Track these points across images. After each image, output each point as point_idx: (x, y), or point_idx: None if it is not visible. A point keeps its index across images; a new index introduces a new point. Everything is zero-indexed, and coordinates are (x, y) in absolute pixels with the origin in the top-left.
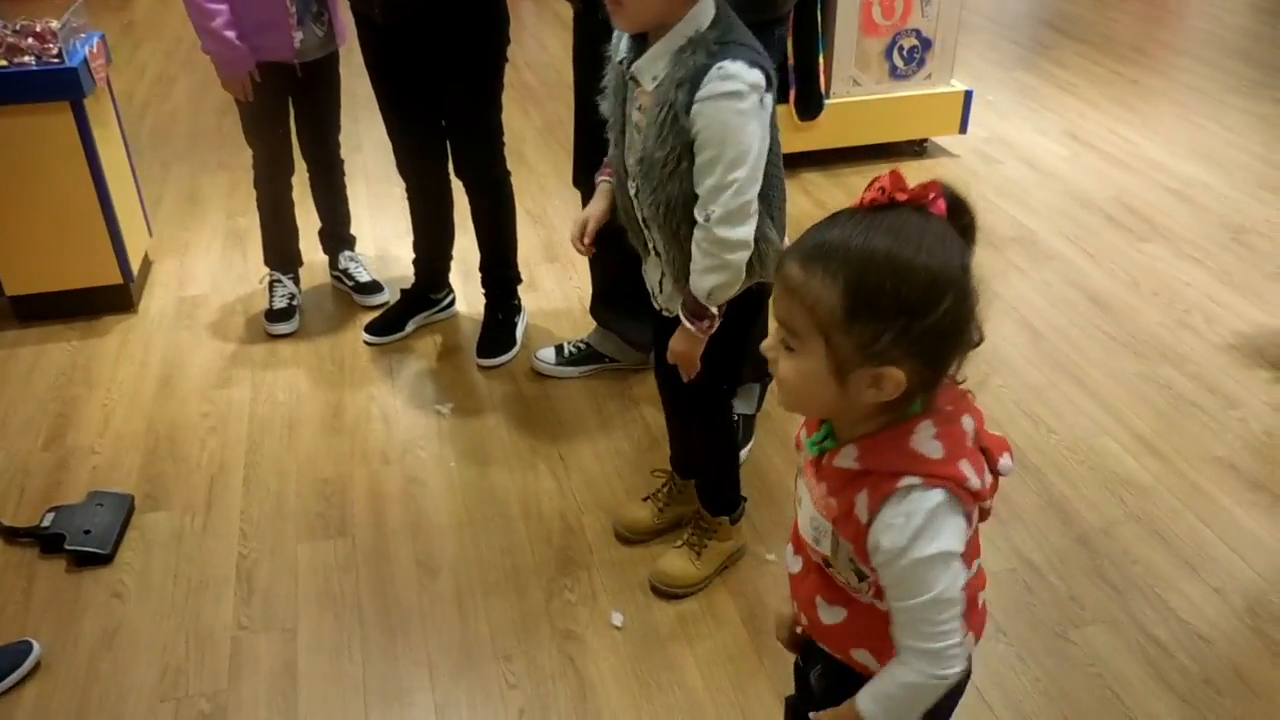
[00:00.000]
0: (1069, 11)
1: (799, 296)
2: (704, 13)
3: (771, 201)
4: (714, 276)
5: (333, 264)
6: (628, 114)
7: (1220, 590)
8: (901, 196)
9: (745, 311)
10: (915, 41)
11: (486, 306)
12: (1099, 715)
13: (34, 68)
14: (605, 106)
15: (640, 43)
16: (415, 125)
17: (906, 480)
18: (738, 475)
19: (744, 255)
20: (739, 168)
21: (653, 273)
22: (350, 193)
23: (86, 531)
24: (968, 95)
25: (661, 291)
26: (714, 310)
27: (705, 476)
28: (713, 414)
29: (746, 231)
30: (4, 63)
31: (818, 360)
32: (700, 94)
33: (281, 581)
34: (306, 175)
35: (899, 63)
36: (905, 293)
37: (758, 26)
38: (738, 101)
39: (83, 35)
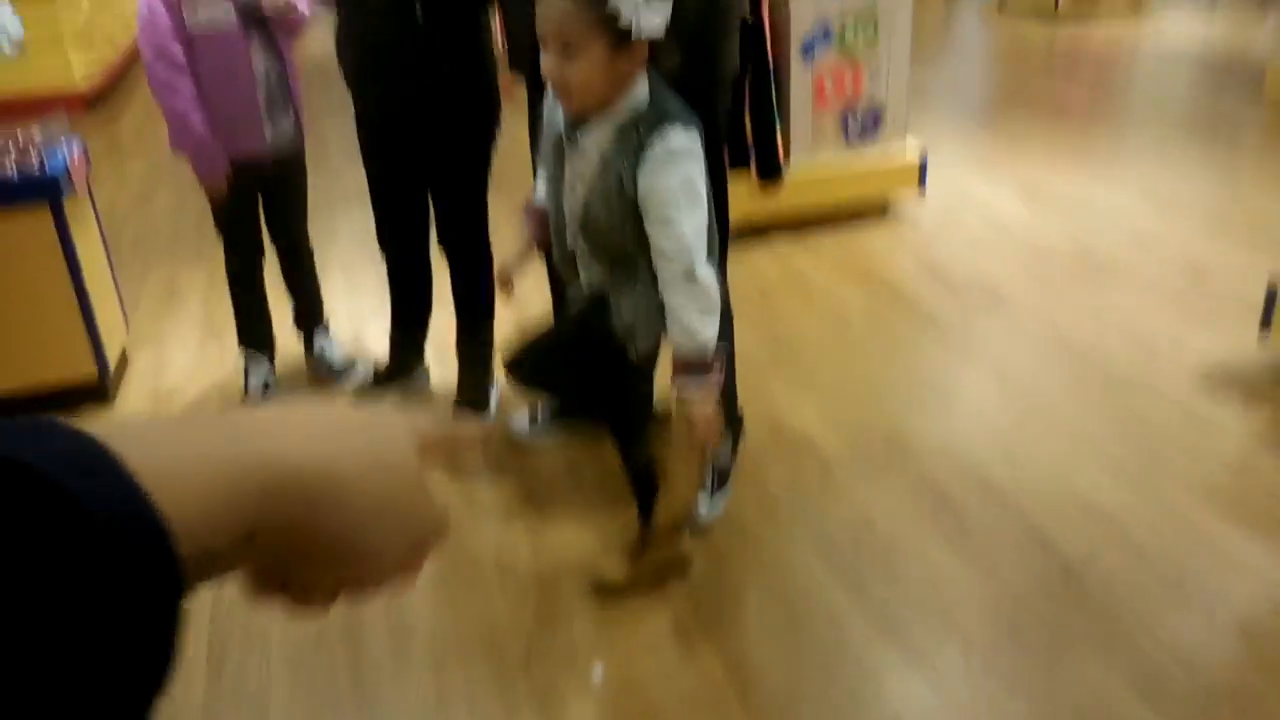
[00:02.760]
0: (1018, 86)
1: None
2: (640, 94)
3: (713, 242)
4: (709, 321)
5: (308, 347)
6: (565, 174)
7: (1211, 615)
8: None
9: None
10: (868, 111)
11: (460, 374)
12: None
13: (14, 175)
14: (542, 163)
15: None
16: (401, 198)
17: None
18: (654, 488)
19: (708, 298)
20: (694, 219)
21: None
22: (326, 280)
23: None
24: (923, 158)
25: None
26: (717, 364)
27: (639, 497)
28: (626, 435)
29: (708, 277)
30: None
31: None
32: (644, 160)
33: (253, 662)
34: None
35: (854, 131)
36: None
37: (700, 92)
38: (680, 162)
39: (63, 143)
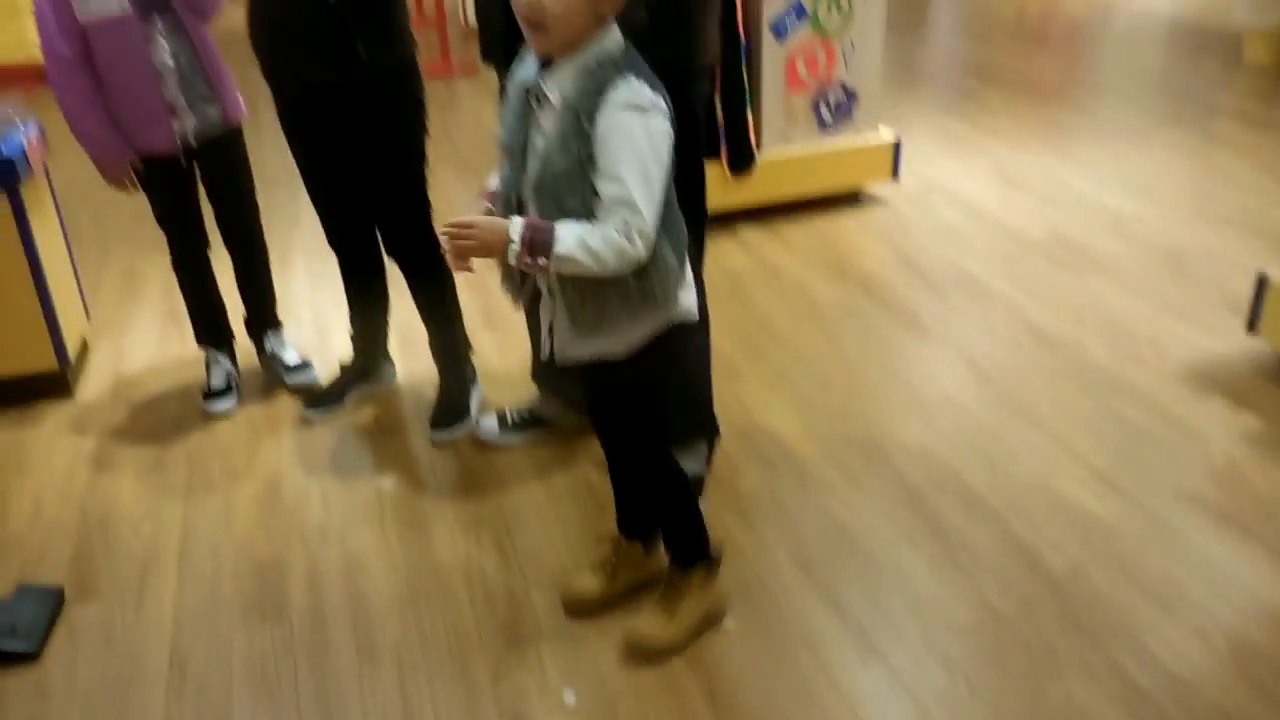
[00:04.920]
0: (988, 59)
1: None
2: (613, 40)
3: (670, 229)
4: (589, 248)
5: (259, 348)
6: (529, 139)
7: (1200, 631)
8: None
9: (664, 355)
10: (841, 95)
11: (440, 378)
12: None
13: None
14: (502, 133)
15: (547, 66)
16: (337, 198)
17: None
18: (700, 523)
19: (625, 261)
20: (644, 177)
21: (544, 314)
22: (288, 266)
23: (12, 628)
24: (897, 144)
25: (553, 335)
26: (545, 260)
27: (665, 529)
28: (653, 462)
29: (643, 247)
30: None
31: None
32: (606, 101)
33: (216, 672)
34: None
35: (826, 116)
36: None
37: (679, 79)
38: (642, 115)
39: (19, 124)
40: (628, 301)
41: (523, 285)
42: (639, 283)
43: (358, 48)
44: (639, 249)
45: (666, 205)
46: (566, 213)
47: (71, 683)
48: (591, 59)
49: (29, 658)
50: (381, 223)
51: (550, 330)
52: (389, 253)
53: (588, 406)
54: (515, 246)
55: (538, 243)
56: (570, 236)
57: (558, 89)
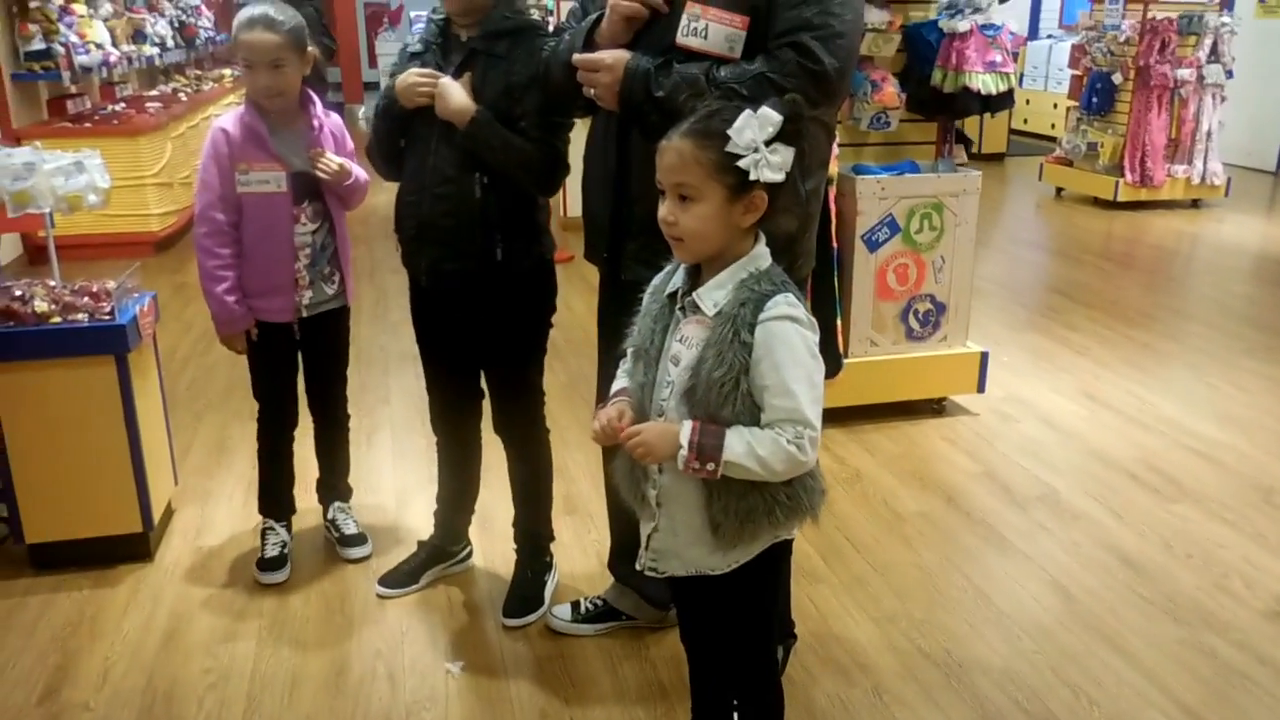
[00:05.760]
0: (1075, 279)
1: None
2: (764, 256)
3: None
4: (759, 455)
5: (324, 513)
6: (665, 345)
7: None
8: None
9: (767, 568)
10: (929, 306)
11: (517, 563)
12: None
13: (85, 324)
14: (634, 338)
15: (695, 276)
16: (454, 382)
17: None
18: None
19: (794, 468)
20: (811, 386)
21: (644, 527)
22: (375, 442)
23: None
24: (983, 356)
25: (648, 548)
26: (714, 467)
27: None
28: (759, 680)
29: (814, 454)
30: (58, 319)
31: None
32: (767, 314)
33: None
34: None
35: (914, 325)
36: None
37: None
38: (801, 328)
39: (136, 295)
40: (773, 514)
41: (641, 495)
42: (789, 494)
43: (496, 246)
44: (810, 456)
45: None
46: (720, 421)
47: None
48: (745, 272)
49: None
50: (496, 403)
51: (647, 544)
52: (499, 430)
53: (680, 619)
54: (684, 452)
55: (707, 447)
56: (739, 443)
57: (710, 299)
